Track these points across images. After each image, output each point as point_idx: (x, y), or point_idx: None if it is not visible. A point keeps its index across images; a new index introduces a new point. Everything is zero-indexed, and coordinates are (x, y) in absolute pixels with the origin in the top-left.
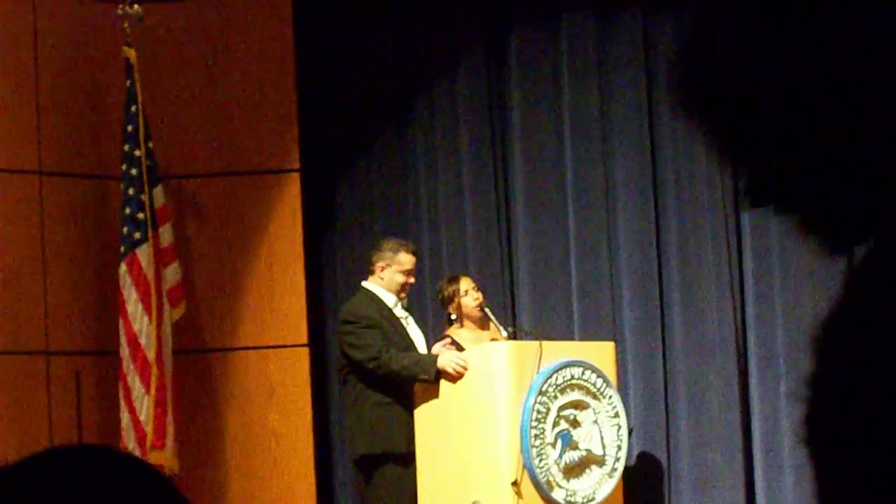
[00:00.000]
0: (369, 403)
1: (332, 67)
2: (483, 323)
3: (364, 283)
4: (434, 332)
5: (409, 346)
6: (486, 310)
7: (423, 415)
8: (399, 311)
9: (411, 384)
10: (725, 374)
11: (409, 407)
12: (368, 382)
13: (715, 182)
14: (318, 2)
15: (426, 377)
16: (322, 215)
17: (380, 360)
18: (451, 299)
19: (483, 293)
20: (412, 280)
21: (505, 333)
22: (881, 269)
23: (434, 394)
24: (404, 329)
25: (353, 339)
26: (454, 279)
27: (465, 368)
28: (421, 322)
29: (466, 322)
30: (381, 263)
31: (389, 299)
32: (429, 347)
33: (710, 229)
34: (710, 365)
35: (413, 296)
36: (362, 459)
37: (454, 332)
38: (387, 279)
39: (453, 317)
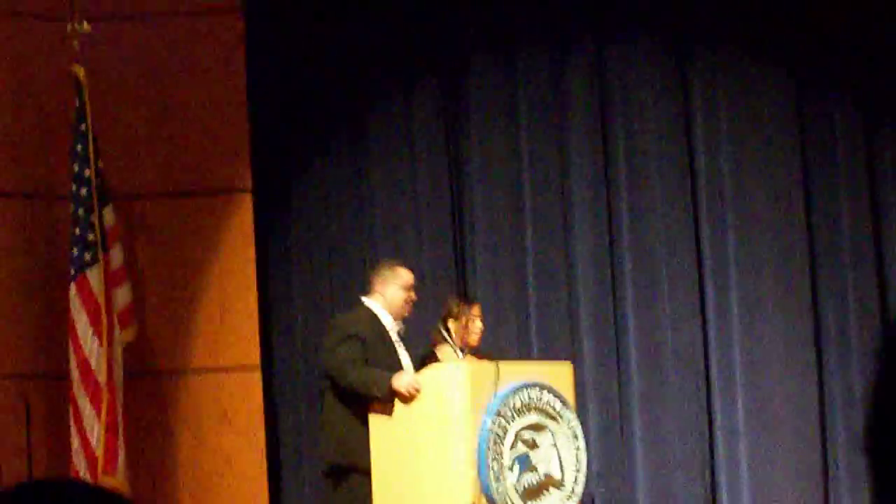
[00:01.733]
0: (341, 414)
1: (284, 86)
2: (473, 352)
3: (363, 299)
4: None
5: (396, 367)
6: (443, 330)
7: (379, 431)
8: (394, 335)
9: (367, 399)
10: (684, 395)
11: None
12: (341, 394)
13: (672, 204)
14: (270, 21)
15: (378, 394)
16: (275, 236)
17: (341, 370)
18: (457, 317)
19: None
20: (413, 296)
21: (461, 355)
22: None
23: (388, 412)
24: (395, 352)
25: (329, 345)
26: (468, 301)
27: (418, 391)
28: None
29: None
30: (379, 279)
31: (387, 319)
32: (416, 368)
33: (665, 252)
34: (668, 386)
35: None
36: (330, 469)
37: (440, 348)
38: (388, 295)
39: (447, 332)
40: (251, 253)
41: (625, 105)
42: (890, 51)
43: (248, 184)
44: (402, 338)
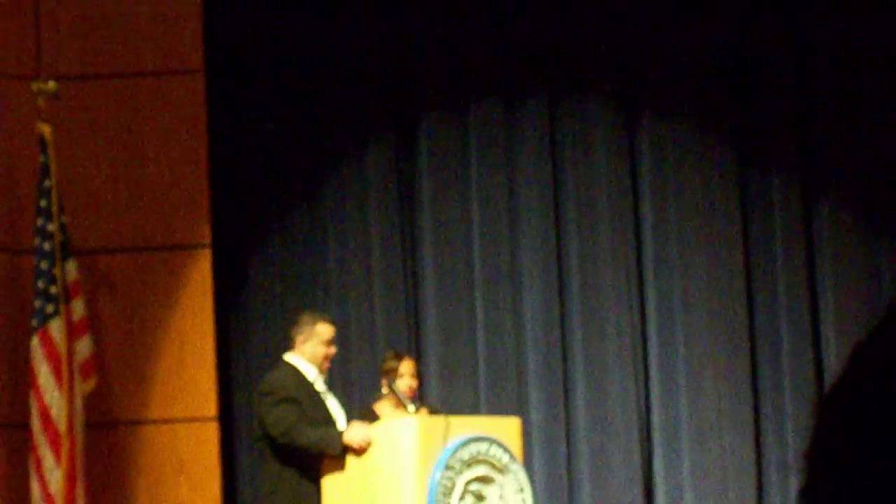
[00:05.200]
0: (283, 478)
1: (243, 145)
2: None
3: (285, 356)
4: (360, 402)
5: (329, 420)
6: (392, 386)
7: (330, 488)
8: (320, 386)
9: (320, 459)
10: (629, 452)
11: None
12: (283, 456)
13: (619, 264)
14: (230, 83)
15: (332, 452)
16: (233, 290)
17: (289, 435)
18: (387, 374)
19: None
20: (333, 350)
21: (412, 409)
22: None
23: (341, 467)
24: (324, 403)
25: (266, 411)
26: (399, 357)
27: (370, 444)
28: (344, 394)
29: (392, 398)
30: (300, 336)
31: (310, 373)
32: (350, 420)
33: (613, 310)
34: (614, 442)
35: (335, 367)
36: None
37: (379, 404)
38: (308, 351)
39: (384, 391)
40: (209, 307)
41: (575, 164)
42: (829, 124)
43: (208, 239)
44: (329, 388)
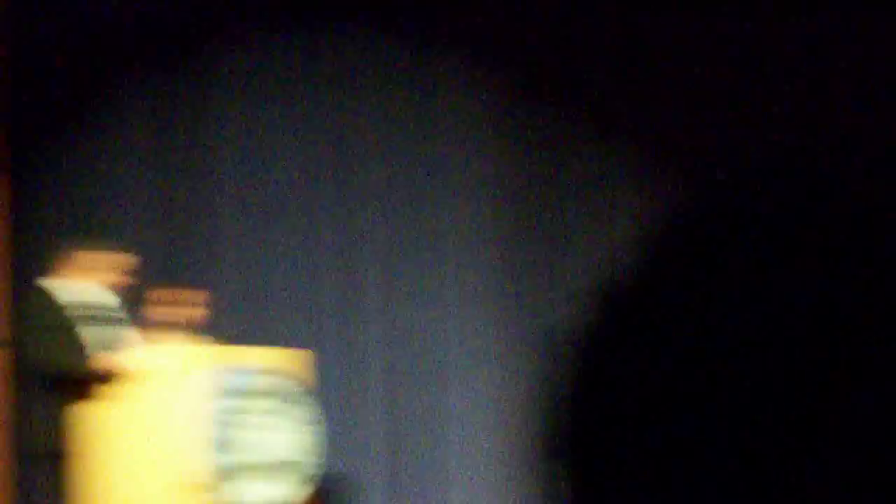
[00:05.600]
0: (51, 405)
1: (44, 62)
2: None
3: (56, 281)
4: (130, 330)
5: (99, 346)
6: (169, 314)
7: (92, 412)
8: (97, 310)
9: (90, 384)
10: (423, 382)
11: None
12: (50, 383)
13: (396, 198)
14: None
15: (102, 377)
16: (28, 215)
17: (55, 361)
18: (164, 303)
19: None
20: (122, 277)
21: (194, 338)
22: None
23: (103, 392)
24: (95, 329)
25: (31, 337)
26: (157, 286)
27: (135, 369)
28: (120, 322)
29: (170, 327)
30: (84, 260)
31: (91, 295)
32: (122, 346)
33: (399, 245)
34: (406, 376)
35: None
36: (44, 455)
37: (156, 334)
38: (92, 276)
39: (164, 319)
40: (4, 232)
41: (345, 98)
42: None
43: (7, 162)
44: (114, 314)
